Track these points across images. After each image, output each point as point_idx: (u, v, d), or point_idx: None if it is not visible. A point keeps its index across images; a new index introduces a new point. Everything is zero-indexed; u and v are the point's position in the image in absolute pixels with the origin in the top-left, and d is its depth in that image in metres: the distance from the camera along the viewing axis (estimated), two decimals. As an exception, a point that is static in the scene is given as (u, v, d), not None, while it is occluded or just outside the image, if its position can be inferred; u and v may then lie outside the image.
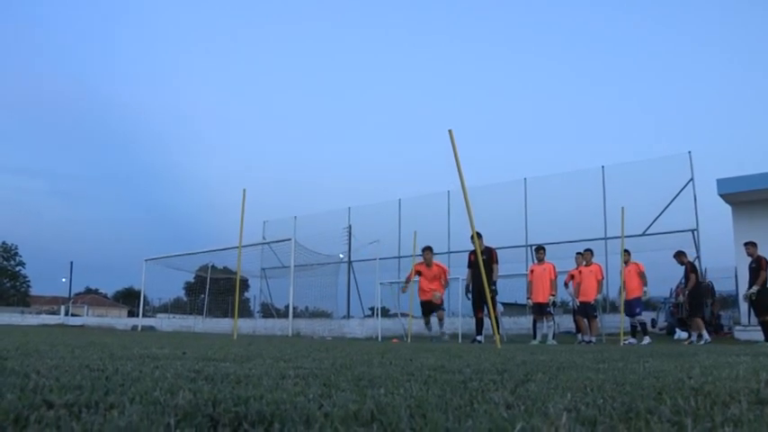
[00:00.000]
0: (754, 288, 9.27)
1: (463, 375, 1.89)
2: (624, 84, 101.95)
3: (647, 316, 11.71)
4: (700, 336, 9.75)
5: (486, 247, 9.36)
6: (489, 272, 8.81)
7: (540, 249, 10.61)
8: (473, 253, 9.57)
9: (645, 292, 10.09)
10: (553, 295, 10.14)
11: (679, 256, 10.36)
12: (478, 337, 9.36)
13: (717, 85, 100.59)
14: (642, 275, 10.08)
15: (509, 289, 17.60)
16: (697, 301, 10.13)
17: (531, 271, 10.56)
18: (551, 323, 10.12)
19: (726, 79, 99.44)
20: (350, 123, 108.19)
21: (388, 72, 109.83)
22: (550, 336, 9.95)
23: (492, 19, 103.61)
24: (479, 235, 9.27)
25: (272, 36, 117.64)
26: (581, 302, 10.16)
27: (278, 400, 1.16)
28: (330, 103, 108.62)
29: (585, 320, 10.10)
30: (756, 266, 9.39)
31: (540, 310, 10.13)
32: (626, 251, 10.30)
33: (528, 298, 10.72)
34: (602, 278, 10.35)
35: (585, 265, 10.28)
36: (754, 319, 10.40)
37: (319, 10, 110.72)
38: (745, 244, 9.70)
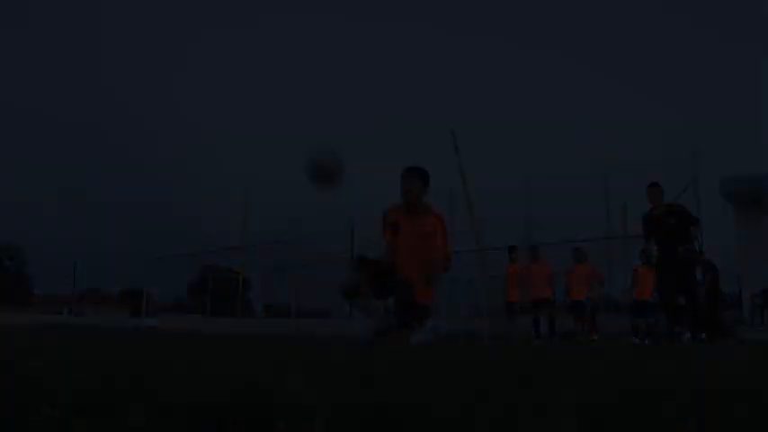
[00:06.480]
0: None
1: (468, 372, 1.89)
2: (627, 82, 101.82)
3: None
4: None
5: (673, 205, 6.73)
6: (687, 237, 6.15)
7: (533, 248, 10.77)
8: (655, 214, 6.44)
9: (655, 296, 10.13)
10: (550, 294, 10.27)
11: None
12: (690, 335, 6.27)
13: (721, 84, 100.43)
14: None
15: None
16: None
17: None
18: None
19: (730, 78, 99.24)
20: (351, 119, 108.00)
21: (391, 69, 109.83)
22: (551, 335, 9.99)
23: (494, 16, 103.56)
24: (657, 184, 6.48)
25: (275, 30, 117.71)
26: (572, 301, 10.25)
27: (282, 398, 1.16)
28: (332, 100, 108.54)
29: (584, 319, 10.16)
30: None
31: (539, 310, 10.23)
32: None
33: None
34: (595, 279, 10.38)
35: (578, 264, 10.34)
36: (757, 319, 10.43)
37: (316, 5, 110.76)
38: None
